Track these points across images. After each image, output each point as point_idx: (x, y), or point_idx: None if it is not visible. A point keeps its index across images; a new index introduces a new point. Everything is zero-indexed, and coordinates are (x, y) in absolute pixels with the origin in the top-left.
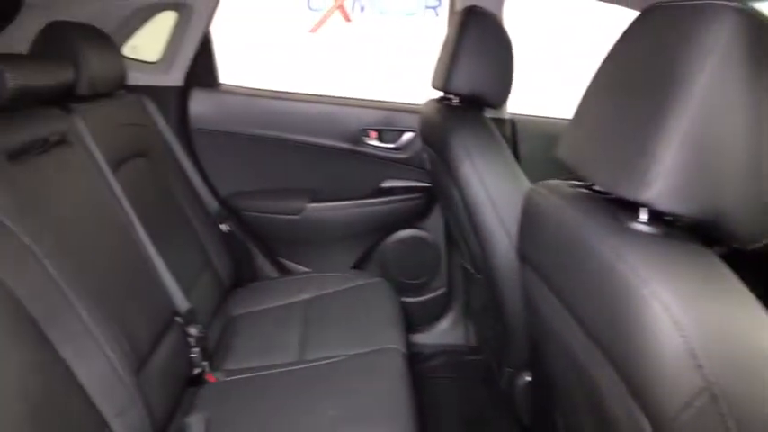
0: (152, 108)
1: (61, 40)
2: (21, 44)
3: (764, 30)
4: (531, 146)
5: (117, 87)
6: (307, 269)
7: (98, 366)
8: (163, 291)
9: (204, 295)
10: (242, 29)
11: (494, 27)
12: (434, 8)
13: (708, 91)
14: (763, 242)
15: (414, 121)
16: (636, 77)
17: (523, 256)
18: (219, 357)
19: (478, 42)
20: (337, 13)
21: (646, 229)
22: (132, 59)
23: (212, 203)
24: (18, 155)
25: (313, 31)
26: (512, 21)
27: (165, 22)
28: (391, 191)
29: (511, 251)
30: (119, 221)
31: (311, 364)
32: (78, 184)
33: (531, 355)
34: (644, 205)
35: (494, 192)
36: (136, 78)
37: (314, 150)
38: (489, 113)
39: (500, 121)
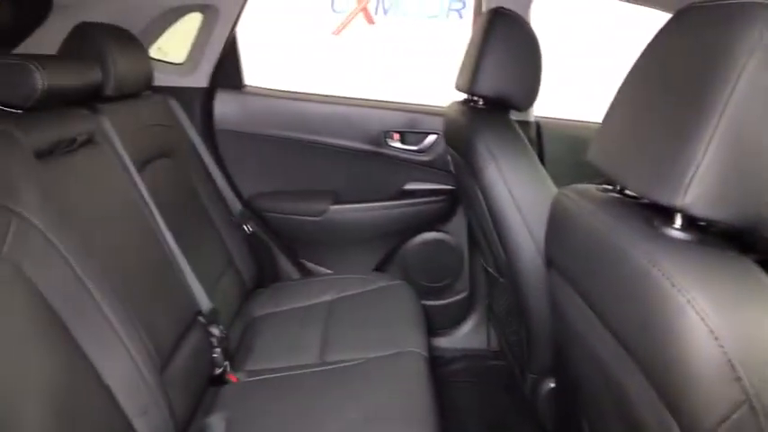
0: (177, 109)
1: (89, 41)
2: (50, 45)
3: None
4: (557, 149)
5: (143, 88)
6: (328, 271)
7: (123, 366)
8: (186, 291)
9: (226, 296)
10: (266, 31)
11: (520, 28)
12: (458, 10)
13: (746, 93)
14: None
15: (437, 123)
16: (670, 79)
17: (550, 260)
18: (241, 358)
19: (505, 44)
20: (360, 16)
21: (681, 235)
22: (158, 60)
23: (236, 204)
24: (46, 154)
25: (336, 33)
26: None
27: (191, 24)
28: (414, 193)
29: (536, 255)
30: (144, 221)
31: (332, 367)
32: (104, 184)
33: (556, 361)
34: (679, 211)
35: (519, 195)
36: (162, 79)
37: (337, 152)
38: (514, 116)
39: (525, 124)
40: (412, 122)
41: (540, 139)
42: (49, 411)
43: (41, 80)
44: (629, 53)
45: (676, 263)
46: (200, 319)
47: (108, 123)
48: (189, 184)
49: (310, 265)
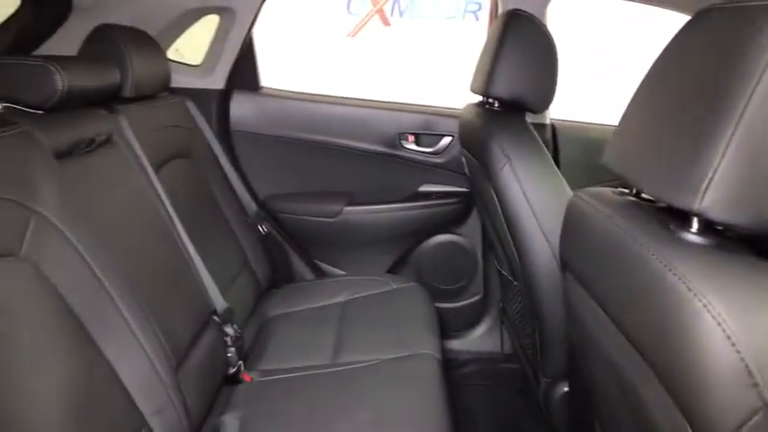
0: (194, 110)
1: (108, 43)
2: (70, 47)
3: None
4: (573, 151)
5: (161, 89)
6: (342, 272)
7: (139, 365)
8: (201, 290)
9: (241, 296)
10: (282, 33)
11: (537, 31)
12: (474, 12)
13: (765, 98)
14: None
15: (452, 125)
16: (688, 82)
17: (565, 263)
18: (255, 357)
19: (521, 46)
20: (376, 17)
21: (698, 239)
22: (176, 62)
23: (251, 205)
24: (65, 154)
25: (352, 35)
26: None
27: (208, 26)
28: (429, 195)
29: (551, 258)
30: (160, 221)
31: (345, 368)
32: (122, 184)
33: (570, 365)
34: (696, 215)
35: (533, 198)
36: (179, 81)
37: (352, 154)
38: (529, 118)
39: (541, 126)
40: (427, 124)
41: (555, 141)
42: (66, 409)
43: (61, 81)
44: (627, 53)
45: (693, 267)
46: (215, 318)
47: (126, 124)
48: (205, 184)
49: (324, 266)
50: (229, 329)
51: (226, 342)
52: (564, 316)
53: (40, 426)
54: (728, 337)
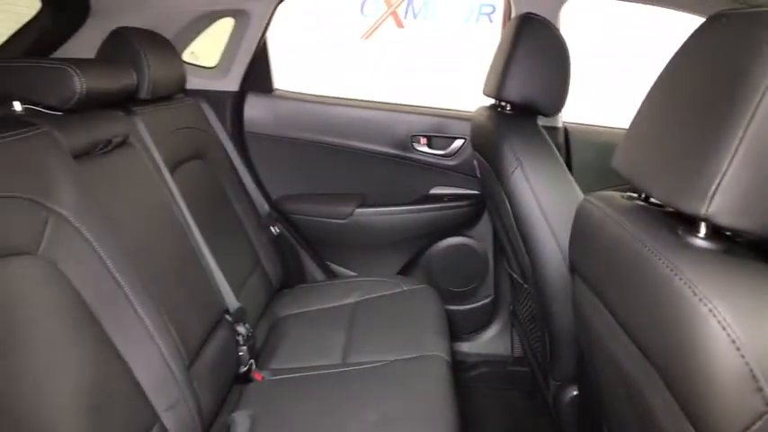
0: (209, 112)
1: (126, 45)
2: (88, 49)
3: None
4: (585, 154)
5: (177, 91)
6: (353, 273)
7: (152, 362)
8: (214, 289)
9: (253, 295)
10: (295, 35)
11: (549, 34)
12: (488, 14)
13: None
14: None
15: (464, 127)
16: (698, 87)
17: (574, 266)
18: (266, 356)
19: (533, 50)
20: (390, 19)
21: (705, 244)
22: (191, 64)
23: (263, 206)
24: (83, 154)
25: (366, 37)
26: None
27: (223, 29)
28: (440, 197)
29: (561, 262)
30: (175, 221)
31: (354, 368)
32: (138, 184)
33: (579, 369)
34: (703, 220)
35: (544, 201)
36: (194, 83)
37: (364, 156)
38: (542, 121)
39: (553, 129)
40: (439, 127)
41: (568, 144)
42: (81, 403)
43: (80, 84)
44: (641, 55)
45: (699, 272)
46: (228, 317)
47: (142, 125)
48: (219, 185)
49: (335, 267)
50: (241, 328)
51: (237, 341)
52: (573, 319)
53: (55, 419)
54: (733, 342)
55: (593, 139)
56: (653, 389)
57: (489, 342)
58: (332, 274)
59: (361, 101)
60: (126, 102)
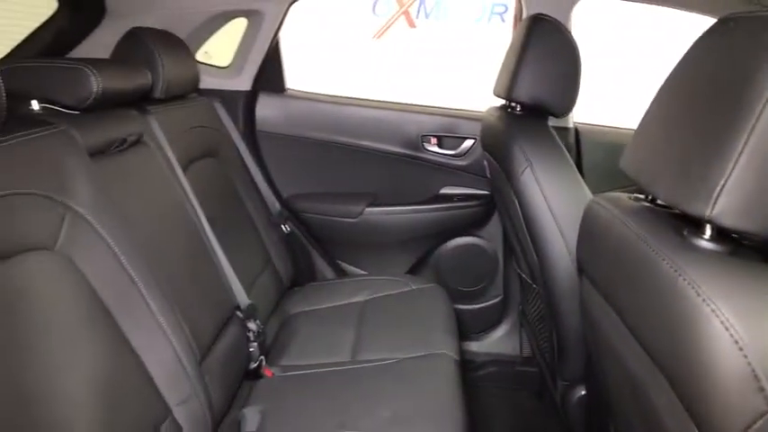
0: (222, 111)
1: (140, 46)
2: (104, 48)
3: None
4: (595, 155)
5: (190, 91)
6: (363, 272)
7: (165, 357)
8: (225, 286)
9: (263, 293)
10: (307, 34)
11: (560, 35)
12: (501, 14)
13: None
14: None
15: (475, 128)
16: (704, 90)
17: (582, 267)
18: (276, 353)
19: (543, 51)
20: (402, 19)
21: (710, 245)
22: (204, 64)
23: (275, 204)
24: (99, 153)
25: (377, 37)
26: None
27: (236, 29)
28: (450, 197)
29: (569, 262)
30: (187, 218)
31: (363, 365)
32: (151, 182)
33: (587, 369)
34: (708, 221)
35: (554, 202)
36: (207, 82)
37: (374, 155)
38: (553, 121)
39: (564, 130)
40: (450, 127)
41: (578, 145)
42: (96, 397)
43: (96, 83)
44: (654, 56)
45: (703, 273)
46: (239, 314)
47: (156, 124)
48: (231, 183)
49: (345, 265)
50: (252, 325)
51: (248, 337)
52: (581, 319)
53: (70, 412)
54: (736, 342)
55: (604, 140)
56: (658, 389)
57: (498, 342)
58: (342, 273)
59: (372, 101)
60: (140, 101)
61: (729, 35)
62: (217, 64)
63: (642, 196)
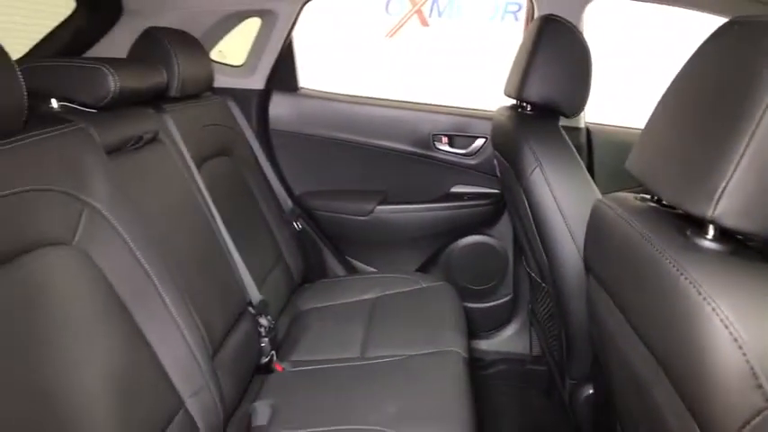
0: (235, 109)
1: (157, 45)
2: (120, 47)
3: None
4: (607, 155)
5: (205, 89)
6: (373, 269)
7: (178, 350)
8: (238, 282)
9: (275, 289)
10: (320, 33)
11: (571, 36)
12: (514, 13)
13: None
14: None
15: (486, 127)
16: (708, 92)
17: (588, 266)
18: (287, 348)
19: (554, 51)
20: (414, 18)
21: (713, 246)
22: (219, 63)
23: (287, 202)
24: (116, 150)
25: (390, 35)
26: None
27: (250, 28)
28: (461, 196)
29: (578, 262)
30: (201, 215)
31: (372, 361)
32: (166, 179)
33: (595, 368)
34: (710, 221)
35: (563, 202)
36: (221, 81)
37: (386, 154)
38: (564, 121)
39: (575, 130)
40: (461, 126)
41: (590, 145)
42: (111, 388)
43: (114, 83)
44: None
45: (704, 272)
46: (250, 309)
47: (171, 123)
48: (244, 181)
49: (356, 262)
50: (263, 320)
51: (260, 332)
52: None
53: (86, 403)
54: (735, 340)
55: (616, 140)
56: (659, 385)
57: (508, 340)
58: (352, 270)
59: (384, 100)
60: (156, 99)
61: (733, 39)
62: (231, 63)
63: (648, 196)
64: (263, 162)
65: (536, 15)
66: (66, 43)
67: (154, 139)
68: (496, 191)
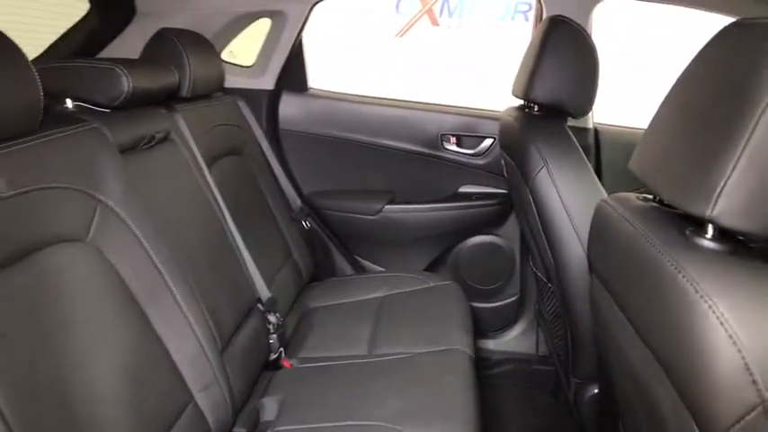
0: (245, 109)
1: (169, 46)
2: (133, 48)
3: None
4: (615, 156)
5: (215, 90)
6: (381, 268)
7: (188, 345)
8: (247, 279)
9: (284, 287)
10: (331, 32)
11: (578, 37)
12: (524, 12)
13: None
14: None
15: (494, 127)
16: (707, 94)
17: (592, 266)
18: (295, 345)
19: (562, 52)
20: (425, 17)
21: (712, 245)
22: (230, 63)
23: (296, 201)
24: (128, 149)
25: (400, 35)
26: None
27: (260, 29)
28: (469, 196)
29: (584, 262)
30: (211, 213)
31: (379, 359)
32: (177, 178)
33: (599, 367)
34: (709, 221)
35: (569, 202)
36: (232, 81)
37: (394, 154)
38: (572, 122)
39: (583, 131)
40: (469, 126)
41: (597, 145)
42: (122, 381)
43: (127, 83)
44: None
45: (702, 270)
46: (259, 306)
47: (182, 122)
48: (254, 180)
49: (364, 261)
50: (272, 318)
51: (268, 329)
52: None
53: (99, 396)
54: (730, 337)
55: (624, 141)
56: (658, 382)
57: (514, 340)
58: (361, 269)
59: (392, 100)
60: (168, 99)
61: (734, 40)
62: (241, 63)
63: (650, 196)
64: (272, 161)
65: (544, 16)
66: (80, 44)
67: (166, 139)
68: (504, 191)
